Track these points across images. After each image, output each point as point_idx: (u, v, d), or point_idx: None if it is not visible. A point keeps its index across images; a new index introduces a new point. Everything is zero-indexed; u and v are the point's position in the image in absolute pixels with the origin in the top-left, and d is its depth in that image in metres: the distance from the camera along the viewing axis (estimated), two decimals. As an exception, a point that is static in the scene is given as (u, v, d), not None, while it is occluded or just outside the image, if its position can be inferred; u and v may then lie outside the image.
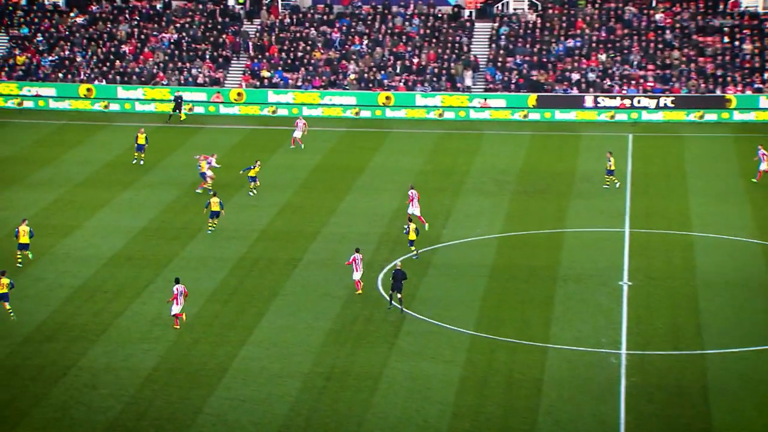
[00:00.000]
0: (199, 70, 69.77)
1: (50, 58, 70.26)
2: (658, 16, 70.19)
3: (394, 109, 66.77)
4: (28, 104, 66.81)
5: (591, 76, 67.63)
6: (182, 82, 68.79)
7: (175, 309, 34.98)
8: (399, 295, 36.46)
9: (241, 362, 33.06)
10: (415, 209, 43.95)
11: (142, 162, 54.10)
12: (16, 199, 48.94)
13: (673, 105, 65.12)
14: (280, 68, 69.94)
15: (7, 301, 35.64)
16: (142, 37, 71.79)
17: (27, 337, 34.41)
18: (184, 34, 71.89)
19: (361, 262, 37.99)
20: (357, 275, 37.99)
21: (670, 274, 39.95)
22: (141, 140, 54.35)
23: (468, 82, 67.67)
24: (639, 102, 65.48)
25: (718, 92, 65.61)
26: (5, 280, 35.51)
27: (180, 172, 52.85)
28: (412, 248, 39.75)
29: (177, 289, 34.90)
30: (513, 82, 67.93)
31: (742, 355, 32.95)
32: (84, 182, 51.95)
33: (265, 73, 69.47)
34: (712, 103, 64.76)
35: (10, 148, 58.06)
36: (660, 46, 68.88)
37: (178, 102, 64.22)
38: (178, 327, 34.96)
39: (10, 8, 72.98)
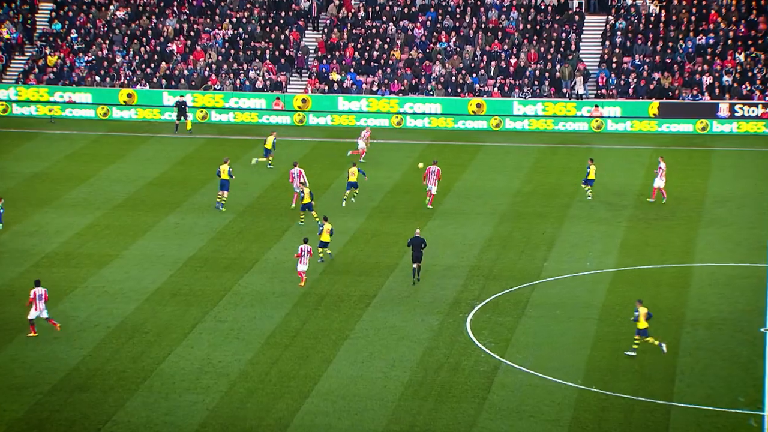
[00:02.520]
0: (258, 72, 70.81)
1: (86, 58, 72.02)
2: (810, 7, 69.17)
3: (487, 119, 66.85)
4: (60, 112, 68.45)
5: (726, 79, 66.84)
6: (238, 86, 69.91)
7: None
8: (416, 265, 42.01)
9: (303, 418, 33.31)
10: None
11: (270, 165, 57.21)
12: (46, 222, 50.18)
13: (827, 114, 63.99)
14: (352, 70, 70.61)
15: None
16: (192, 34, 73.17)
17: (55, 385, 35.16)
18: (240, 30, 73.09)
19: (309, 255, 42.28)
20: (302, 267, 42.12)
21: (824, 319, 39.16)
22: (269, 144, 57.20)
23: (579, 88, 67.47)
24: (785, 110, 64.53)
25: None
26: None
27: (232, 192, 53.60)
28: (327, 250, 42.88)
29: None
30: (631, 86, 67.50)
31: None
32: (123, 204, 53.04)
33: (335, 76, 70.19)
34: None
35: (40, 163, 59.59)
36: (811, 42, 67.80)
37: (182, 108, 64.99)
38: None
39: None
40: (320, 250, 44.12)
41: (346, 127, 67.33)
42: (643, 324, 36.84)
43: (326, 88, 69.77)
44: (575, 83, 67.63)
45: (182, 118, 64.60)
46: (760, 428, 32.22)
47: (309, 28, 73.52)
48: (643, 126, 65.01)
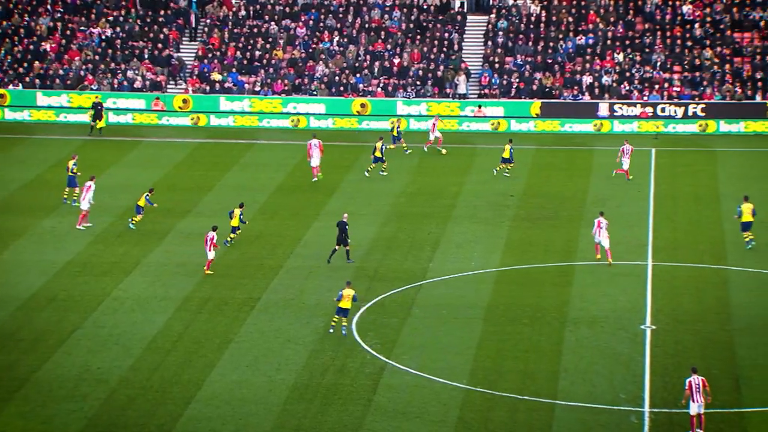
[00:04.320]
0: (136, 72, 69.92)
1: (-44, 57, 70.21)
2: (686, 8, 71.04)
3: (371, 119, 67.12)
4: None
5: (606, 79, 68.29)
6: (115, 86, 68.94)
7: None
8: (338, 246, 43.89)
9: (186, 424, 33.00)
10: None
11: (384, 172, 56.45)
12: None
13: (703, 114, 65.83)
14: (234, 70, 70.21)
15: None
16: (67, 32, 71.89)
17: (-73, 394, 34.22)
18: (118, 28, 72.08)
19: (212, 242, 43.11)
20: (211, 255, 43.12)
21: (701, 316, 40.26)
22: (379, 150, 56.29)
23: (462, 89, 68.18)
24: (663, 110, 66.16)
25: (758, 98, 66.37)
26: None
27: (113, 195, 52.81)
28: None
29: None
30: (513, 86, 68.50)
31: (787, 413, 33.25)
32: (-3, 207, 51.88)
33: (216, 76, 69.69)
34: (750, 111, 65.50)
35: None
36: (688, 43, 69.67)
37: (98, 110, 64.19)
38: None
39: None
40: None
41: (227, 127, 66.93)
42: (345, 304, 37.98)
43: (207, 88, 69.26)
44: (458, 83, 68.34)
45: (97, 119, 63.62)
46: (641, 425, 33.00)
47: (187, 29, 72.79)
48: (526, 125, 65.94)
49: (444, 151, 60.86)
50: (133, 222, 48.79)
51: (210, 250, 43.58)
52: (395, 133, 61.08)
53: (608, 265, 44.61)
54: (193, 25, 71.98)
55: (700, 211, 51.57)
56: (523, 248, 47.07)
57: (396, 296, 42.08)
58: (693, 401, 31.59)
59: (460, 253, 46.48)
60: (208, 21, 72.68)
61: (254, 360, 36.92)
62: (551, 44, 70.34)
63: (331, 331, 38.65)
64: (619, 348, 37.71)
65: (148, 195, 49.13)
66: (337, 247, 44.75)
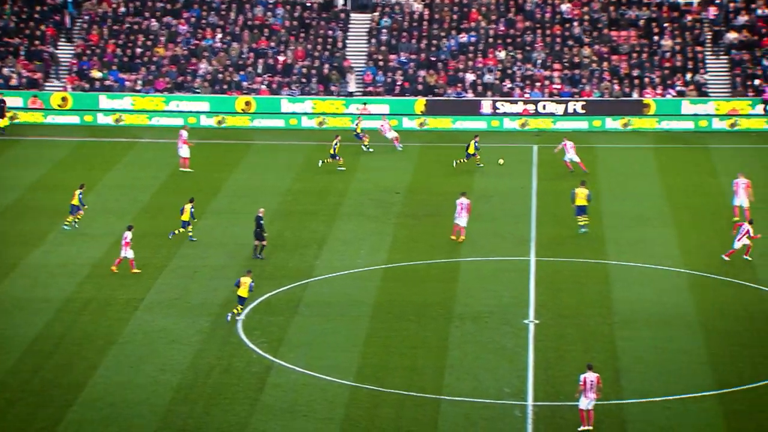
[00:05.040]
0: (13, 69, 68.43)
1: None
2: (565, 7, 72.27)
3: (256, 117, 66.80)
4: None
5: (488, 77, 69.11)
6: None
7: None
8: (257, 243, 43.66)
9: (68, 428, 32.47)
10: None
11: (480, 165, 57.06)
12: None
13: (583, 111, 67.06)
14: (114, 68, 69.19)
15: None
16: (-59, 28, 70.03)
17: None
18: (-6, 24, 70.45)
19: (125, 242, 42.61)
20: (130, 254, 42.98)
21: (583, 310, 41.03)
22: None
23: (353, 87, 68.22)
24: (544, 107, 67.23)
25: (635, 96, 67.88)
26: None
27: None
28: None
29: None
30: (397, 84, 68.86)
31: (665, 405, 34.05)
32: None
33: (96, 74, 68.60)
34: (627, 108, 66.95)
35: None
36: (568, 42, 70.91)
37: (0, 107, 62.99)
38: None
39: None
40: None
41: (108, 126, 65.92)
42: (242, 292, 38.87)
43: (87, 86, 68.13)
44: (348, 82, 68.34)
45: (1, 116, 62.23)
46: (524, 418, 33.50)
47: (63, 29, 71.45)
48: (411, 123, 66.33)
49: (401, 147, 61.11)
50: (67, 222, 47.74)
51: (127, 250, 43.07)
52: (359, 131, 60.82)
53: (459, 242, 46.20)
54: (68, 26, 70.60)
55: (581, 207, 52.52)
56: (409, 245, 47.38)
57: (282, 295, 41.99)
58: (584, 396, 32.19)
59: (347, 251, 46.58)
60: (87, 18, 71.48)
61: (138, 361, 36.48)
62: (434, 42, 70.90)
63: (228, 318, 39.01)
64: (503, 342, 38.23)
65: (80, 192, 48.03)
66: (256, 243, 44.73)
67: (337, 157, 57.08)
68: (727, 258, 44.58)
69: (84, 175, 55.95)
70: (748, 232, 44.39)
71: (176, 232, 46.70)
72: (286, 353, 37.20)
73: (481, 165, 57.38)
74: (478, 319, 40.03)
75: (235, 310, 39.30)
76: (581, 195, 48.20)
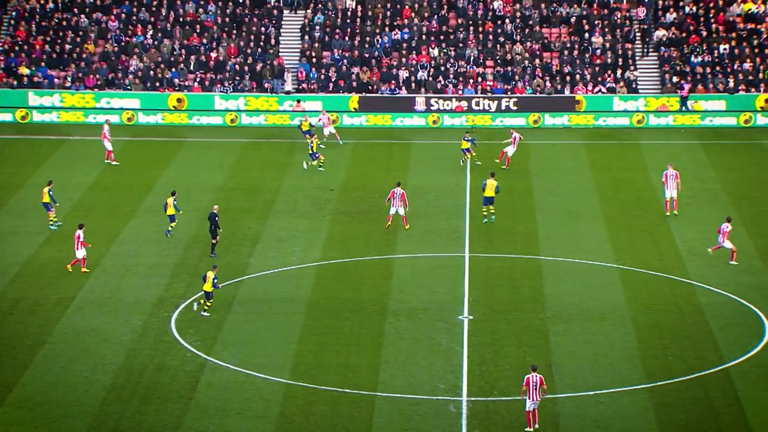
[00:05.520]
0: (-60, 65, 67.33)
1: None
2: (497, 4, 72.70)
3: (188, 114, 66.35)
4: None
5: (421, 74, 69.30)
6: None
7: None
8: (214, 240, 43.81)
9: (-1, 429, 32.08)
10: None
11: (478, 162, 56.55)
12: None
13: (515, 107, 67.52)
14: (43, 64, 68.31)
15: None
16: None
17: None
18: None
19: (79, 240, 42.41)
20: (81, 253, 42.66)
21: (517, 305, 41.32)
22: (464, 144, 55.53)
23: (288, 86, 67.97)
24: (477, 104, 67.57)
25: (567, 92, 68.49)
26: None
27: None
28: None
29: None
30: (331, 80, 68.80)
31: (597, 399, 34.41)
32: None
33: (24, 70, 67.69)
34: (559, 105, 67.53)
35: None
36: (500, 39, 71.32)
37: None
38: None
39: None
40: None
41: (38, 123, 65.09)
42: (207, 287, 39.11)
43: (15, 82, 67.19)
44: (285, 81, 68.07)
45: None
46: (459, 413, 33.67)
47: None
48: (343, 119, 66.33)
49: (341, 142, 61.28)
50: (51, 221, 47.23)
51: (79, 249, 42.65)
52: (307, 128, 60.43)
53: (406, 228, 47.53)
54: None
55: (514, 203, 52.89)
56: (344, 242, 47.38)
57: (216, 293, 41.77)
58: (529, 398, 32.21)
59: (281, 248, 46.46)
60: (14, 14, 70.49)
61: (69, 361, 36.09)
62: (368, 39, 70.93)
63: (195, 307, 39.52)
64: (438, 339, 38.38)
65: (49, 189, 47.47)
66: (214, 241, 44.61)
67: (317, 155, 56.50)
68: (711, 252, 44.93)
69: (10, 174, 55.23)
70: (728, 232, 44.40)
71: (170, 229, 46.42)
72: (220, 351, 37.02)
73: (479, 162, 57.17)
74: (412, 316, 40.14)
75: (205, 305, 39.31)
76: (490, 186, 49.13)
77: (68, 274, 42.92)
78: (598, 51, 70.22)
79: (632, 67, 69.52)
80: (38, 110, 65.43)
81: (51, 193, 47.54)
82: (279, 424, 32.69)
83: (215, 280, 39.43)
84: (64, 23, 70.27)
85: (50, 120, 65.01)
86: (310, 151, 56.85)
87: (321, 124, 61.62)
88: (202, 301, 39.58)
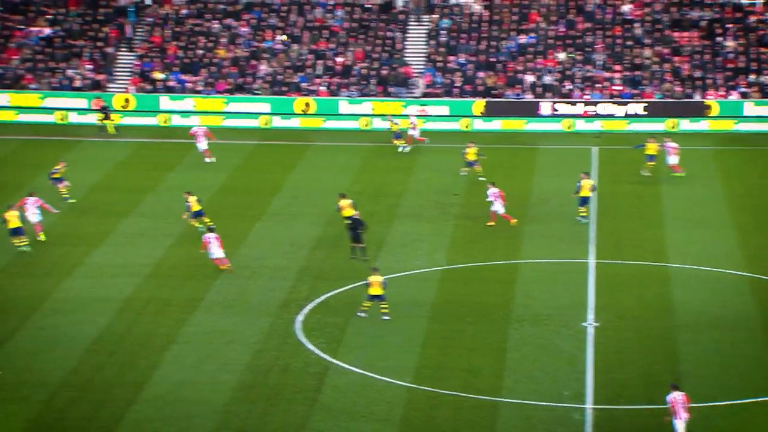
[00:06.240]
0: (77, 71, 69.25)
1: None
2: (626, 8, 71.73)
3: (314, 118, 67.01)
4: None
5: (547, 78, 68.75)
6: (56, 85, 68.23)
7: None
8: (361, 245, 43.94)
9: (128, 426, 32.77)
10: None
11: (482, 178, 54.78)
12: None
13: (644, 113, 66.48)
14: (176, 69, 69.78)
15: None
16: (6, 31, 71.04)
17: None
18: (57, 27, 71.35)
19: (218, 242, 42.89)
20: (219, 253, 43.01)
21: (643, 313, 40.66)
22: (471, 155, 55.83)
23: (420, 91, 68.09)
24: (604, 109, 66.74)
25: (697, 97, 67.18)
26: None
27: (54, 195, 52.29)
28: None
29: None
30: (456, 85, 68.76)
31: (728, 410, 33.65)
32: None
33: (158, 75, 69.22)
34: (689, 110, 66.27)
35: None
36: (628, 43, 70.34)
37: (105, 111, 63.90)
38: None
39: None
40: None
41: (170, 127, 66.47)
42: (376, 290, 39.17)
43: (150, 87, 68.77)
44: (417, 87, 68.24)
45: (107, 120, 63.15)
46: (583, 421, 33.26)
47: (124, 39, 72.16)
48: (467, 124, 66.19)
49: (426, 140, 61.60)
50: (65, 194, 49.37)
51: (218, 249, 43.47)
52: (395, 130, 61.05)
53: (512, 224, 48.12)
54: (129, 35, 71.11)
55: (642, 209, 52.10)
56: (468, 246, 47.27)
57: (341, 295, 42.07)
58: (678, 418, 30.92)
59: (405, 252, 46.57)
60: (150, 20, 72.17)
61: (198, 361, 36.73)
62: (494, 43, 70.70)
63: (363, 315, 39.31)
64: (562, 345, 37.99)
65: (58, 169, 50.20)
66: (354, 245, 44.82)
67: (474, 164, 55.73)
68: None
69: (144, 176, 56.51)
70: None
71: (202, 225, 46.92)
72: (345, 354, 37.25)
73: (483, 178, 55.65)
74: (536, 321, 39.82)
75: (368, 305, 39.54)
76: (586, 186, 48.93)
77: (196, 275, 43.68)
78: (731, 55, 68.71)
79: (766, 72, 67.84)
80: (178, 114, 66.59)
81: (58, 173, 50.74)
82: (402, 427, 32.74)
83: (384, 281, 39.47)
84: (197, 29, 71.67)
85: (184, 124, 66.15)
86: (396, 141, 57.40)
87: (411, 124, 61.78)
88: (366, 306, 39.56)
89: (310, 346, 37.79)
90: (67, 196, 51.40)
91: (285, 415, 33.33)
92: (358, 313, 39.62)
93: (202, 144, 58.83)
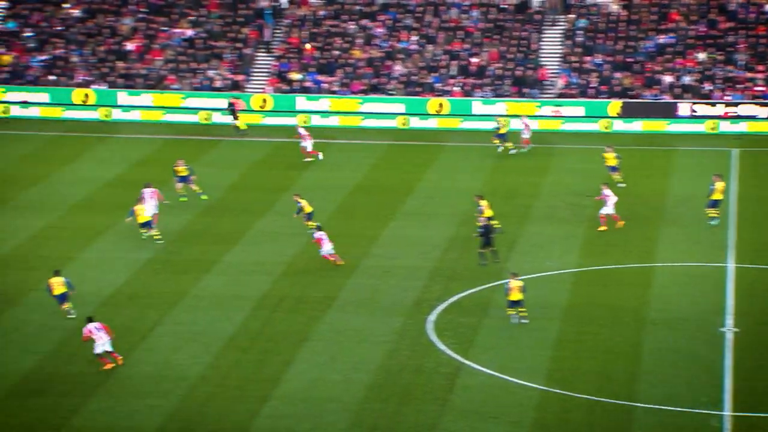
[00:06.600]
0: (217, 71, 70.58)
1: (41, 57, 71.49)
2: (769, 7, 69.94)
3: (451, 118, 66.99)
4: (15, 112, 67.95)
5: (687, 79, 67.41)
6: (197, 86, 69.67)
7: (99, 348, 35.80)
8: (492, 248, 43.78)
9: (263, 421, 33.27)
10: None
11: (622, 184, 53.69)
12: (0, 224, 49.76)
13: (787, 113, 64.70)
14: (312, 70, 70.57)
15: (66, 302, 39.21)
16: (150, 32, 72.85)
17: (11, 390, 34.92)
18: (199, 28, 72.83)
19: (327, 240, 43.63)
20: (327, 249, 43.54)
21: (784, 318, 39.59)
22: (611, 161, 54.13)
23: (560, 87, 67.54)
24: (745, 110, 65.14)
25: (843, 98, 65.08)
26: (58, 279, 39.63)
27: (192, 193, 53.37)
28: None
29: (89, 329, 35.81)
30: (592, 86, 67.95)
31: None
32: (79, 205, 52.72)
33: (295, 76, 70.10)
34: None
35: (-6, 164, 59.14)
36: (771, 42, 68.55)
37: (233, 109, 65.16)
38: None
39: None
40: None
41: (308, 127, 67.19)
42: (516, 296, 38.70)
43: (287, 87, 69.67)
44: (557, 83, 67.77)
45: (235, 118, 64.64)
46: (721, 428, 32.54)
47: (263, 43, 73.23)
48: (605, 125, 65.38)
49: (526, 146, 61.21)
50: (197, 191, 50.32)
51: (324, 246, 44.16)
52: (503, 132, 61.02)
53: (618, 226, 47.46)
54: (266, 38, 72.13)
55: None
56: (601, 248, 46.68)
57: (473, 296, 41.99)
58: None
59: (537, 253, 46.23)
60: (287, 21, 73.13)
61: (330, 359, 37.08)
62: (631, 43, 69.65)
63: (522, 320, 39.10)
64: (698, 350, 37.24)
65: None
66: (483, 250, 44.53)
67: (615, 170, 54.44)
68: None
69: (281, 176, 57.29)
70: None
71: (313, 227, 46.60)
72: (476, 355, 37.16)
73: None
74: (672, 326, 39.09)
75: (513, 312, 39.32)
76: (720, 189, 48.47)
77: (329, 273, 44.11)
78: None
79: None
80: (317, 114, 67.27)
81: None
82: (533, 430, 32.51)
83: (524, 286, 39.21)
84: (333, 30, 72.37)
85: (323, 124, 66.74)
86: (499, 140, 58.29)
87: (523, 128, 61.09)
88: (518, 311, 39.38)
89: (442, 347, 37.81)
90: (182, 193, 52.21)
91: (416, 415, 33.40)
92: (513, 320, 39.23)
93: (308, 144, 59.27)
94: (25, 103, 68.03)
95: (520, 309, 39.36)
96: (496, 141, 60.80)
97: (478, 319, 39.86)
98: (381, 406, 33.95)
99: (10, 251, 46.37)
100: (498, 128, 61.25)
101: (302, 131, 60.09)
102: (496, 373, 35.83)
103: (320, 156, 59.05)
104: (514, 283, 39.32)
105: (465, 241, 47.29)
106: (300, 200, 48.24)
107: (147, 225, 47.22)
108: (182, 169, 52.57)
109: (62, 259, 45.30)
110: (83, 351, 37.24)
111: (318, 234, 44.53)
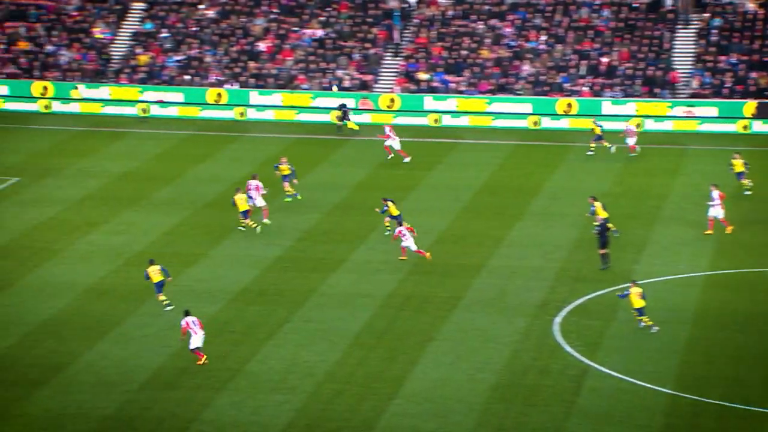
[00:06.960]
0: (345, 71, 71.07)
1: (176, 57, 72.98)
2: None
3: (583, 119, 66.21)
4: (154, 111, 69.40)
5: (825, 78, 65.42)
6: (326, 85, 70.24)
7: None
8: (605, 251, 42.95)
9: (389, 419, 33.38)
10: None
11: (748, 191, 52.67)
12: (135, 221, 50.96)
13: None
14: (440, 70, 70.56)
15: (161, 292, 40.41)
16: (281, 33, 73.77)
17: (144, 383, 35.71)
18: (328, 29, 73.47)
19: (410, 233, 44.09)
20: (406, 243, 43.83)
21: None
22: (738, 167, 53.20)
23: (695, 85, 66.25)
24: None
25: None
26: (155, 267, 40.82)
27: (320, 192, 53.87)
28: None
29: (187, 322, 36.61)
30: (727, 86, 66.43)
31: None
32: (211, 203, 53.62)
33: (423, 76, 70.17)
34: None
35: (130, 162, 60.48)
36: None
37: (345, 111, 65.66)
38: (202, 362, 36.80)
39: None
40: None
41: (433, 127, 67.22)
42: (639, 303, 37.88)
43: (415, 87, 69.78)
44: (690, 85, 66.56)
45: (345, 119, 65.39)
46: None
47: (392, 45, 73.44)
48: (742, 126, 63.84)
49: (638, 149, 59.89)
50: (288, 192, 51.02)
51: (405, 240, 44.60)
52: (599, 132, 60.31)
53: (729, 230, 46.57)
54: (395, 41, 72.25)
55: None
56: (735, 252, 45.61)
57: (599, 298, 41.46)
58: None
59: (667, 256, 45.40)
60: (416, 21, 73.25)
61: (456, 358, 37.02)
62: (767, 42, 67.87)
63: (642, 325, 38.39)
64: (835, 358, 36.10)
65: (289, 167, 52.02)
66: (602, 251, 43.80)
67: (742, 176, 53.02)
68: None
69: (405, 175, 57.36)
70: None
71: (389, 228, 46.76)
72: (603, 357, 36.67)
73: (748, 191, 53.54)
74: (808, 332, 37.98)
75: (643, 320, 38.66)
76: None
77: (456, 273, 44.00)
78: None
79: None
80: (449, 114, 67.22)
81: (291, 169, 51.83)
82: (661, 435, 31.95)
83: (643, 293, 38.48)
84: (462, 30, 72.23)
85: (453, 124, 66.61)
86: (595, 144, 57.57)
87: (625, 132, 59.71)
88: (644, 319, 38.70)
89: (568, 348, 37.42)
90: (291, 193, 52.54)
91: (542, 417, 33.12)
92: (652, 329, 38.43)
93: (395, 143, 59.10)
94: (163, 103, 69.51)
95: (644, 318, 38.51)
96: (593, 144, 59.88)
97: (605, 321, 39.32)
98: (506, 407, 33.76)
99: (144, 247, 47.41)
100: (593, 130, 60.32)
101: (388, 130, 59.99)
102: (624, 377, 35.30)
103: (407, 159, 58.91)
104: (634, 290, 38.54)
105: (591, 243, 46.68)
106: (387, 203, 47.84)
107: (245, 214, 47.84)
108: (285, 168, 53.09)
109: (194, 256, 46.16)
110: (213, 346, 37.87)
111: (399, 229, 44.76)
